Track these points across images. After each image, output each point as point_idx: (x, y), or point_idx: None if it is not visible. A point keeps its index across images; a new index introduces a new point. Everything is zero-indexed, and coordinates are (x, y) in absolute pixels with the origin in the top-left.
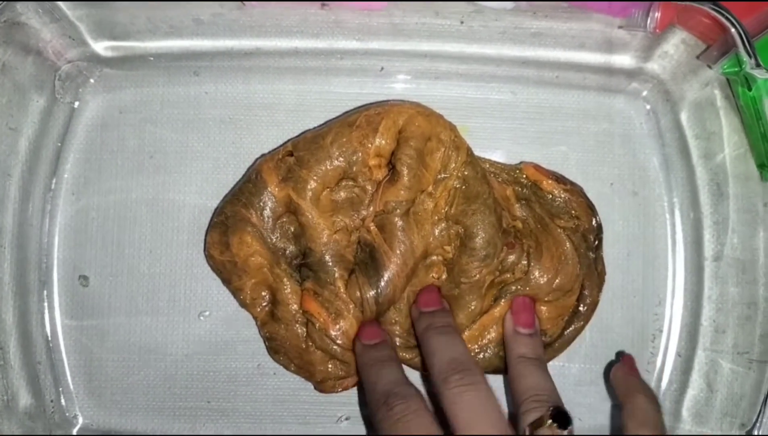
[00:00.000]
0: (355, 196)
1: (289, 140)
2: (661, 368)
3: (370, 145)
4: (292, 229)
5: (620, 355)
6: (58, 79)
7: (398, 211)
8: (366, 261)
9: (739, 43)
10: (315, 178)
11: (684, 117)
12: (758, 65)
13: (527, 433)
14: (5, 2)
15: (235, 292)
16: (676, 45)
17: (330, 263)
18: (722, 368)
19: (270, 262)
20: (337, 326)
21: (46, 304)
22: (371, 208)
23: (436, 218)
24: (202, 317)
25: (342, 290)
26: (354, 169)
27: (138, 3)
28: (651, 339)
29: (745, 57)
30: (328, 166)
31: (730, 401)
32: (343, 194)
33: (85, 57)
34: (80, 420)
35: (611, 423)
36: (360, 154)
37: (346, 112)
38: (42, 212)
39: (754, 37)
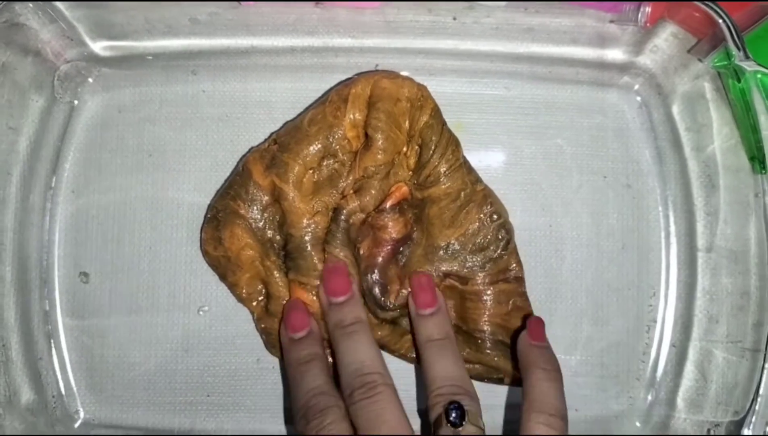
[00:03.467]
0: (335, 171)
1: (274, 132)
2: (656, 358)
3: (343, 117)
4: (278, 217)
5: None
6: (57, 79)
7: (378, 175)
8: (337, 226)
9: (728, 36)
10: (297, 160)
11: (675, 110)
12: (747, 57)
13: (433, 430)
14: (4, 3)
15: (232, 287)
16: (667, 39)
17: (308, 248)
18: (716, 358)
19: (260, 254)
20: None
21: (47, 301)
22: (350, 178)
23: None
24: (201, 313)
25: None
26: (334, 145)
27: (135, 3)
28: (646, 330)
29: (734, 50)
30: (308, 147)
31: (723, 390)
32: (325, 172)
33: (83, 57)
34: (82, 415)
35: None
36: (336, 128)
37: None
38: (42, 210)
39: (744, 30)
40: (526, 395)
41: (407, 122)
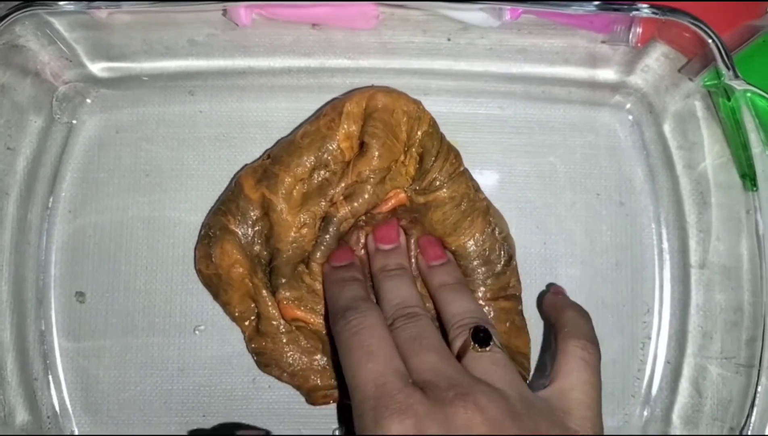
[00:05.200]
0: (325, 180)
1: (269, 149)
2: (650, 375)
3: (337, 129)
4: (265, 232)
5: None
6: (55, 100)
7: (372, 180)
8: (325, 234)
9: (717, 56)
10: (288, 172)
11: (667, 128)
12: (737, 77)
13: (459, 358)
14: (4, 25)
15: (224, 306)
16: (658, 59)
17: (294, 261)
18: (710, 374)
19: (249, 271)
20: None
21: (43, 320)
22: (342, 184)
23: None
24: (197, 332)
25: (312, 281)
26: (325, 156)
27: (134, 24)
28: (640, 347)
29: (723, 69)
30: (300, 158)
31: (718, 406)
32: (315, 183)
33: (82, 78)
34: (77, 435)
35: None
36: (329, 139)
37: None
38: (39, 230)
39: (733, 50)
40: (562, 328)
41: (404, 132)
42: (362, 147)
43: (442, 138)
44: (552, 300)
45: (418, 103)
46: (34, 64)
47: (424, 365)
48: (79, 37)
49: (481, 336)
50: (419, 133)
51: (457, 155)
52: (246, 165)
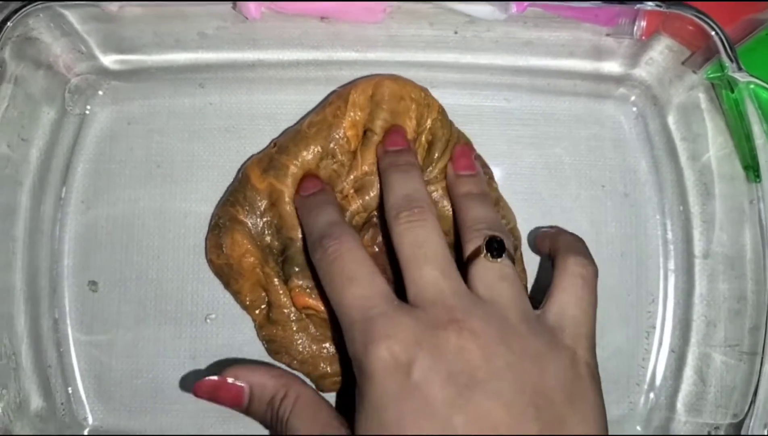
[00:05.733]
0: (333, 172)
1: (275, 138)
2: (655, 363)
3: (343, 117)
4: (276, 222)
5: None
6: (68, 92)
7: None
8: None
9: (721, 48)
10: (294, 162)
11: (671, 120)
12: (740, 69)
13: (468, 263)
14: (19, 17)
15: (235, 295)
16: (662, 52)
17: (307, 252)
18: (714, 362)
19: (260, 261)
20: None
21: (56, 309)
22: (351, 175)
23: None
24: (208, 320)
25: None
26: (332, 145)
27: (144, 17)
28: (645, 336)
29: (727, 62)
30: (306, 148)
31: (722, 393)
32: (323, 174)
33: (94, 70)
34: (90, 422)
35: None
36: (335, 128)
37: None
38: (52, 220)
39: (736, 43)
40: (558, 250)
41: (413, 120)
42: (366, 135)
43: (451, 125)
44: (545, 232)
45: (425, 90)
46: (47, 57)
47: (424, 279)
48: (90, 29)
49: (495, 246)
50: (429, 120)
51: (468, 142)
52: (252, 155)
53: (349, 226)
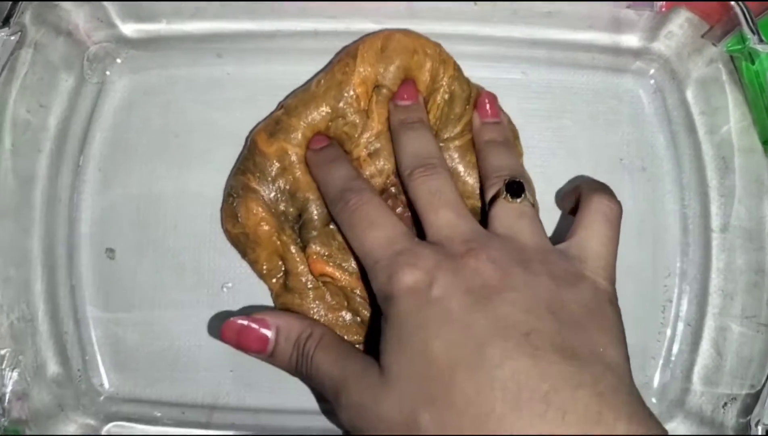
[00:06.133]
0: (344, 133)
1: (282, 100)
2: (671, 337)
3: (352, 73)
4: (288, 187)
5: None
6: (86, 60)
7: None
8: None
9: (742, 20)
10: (303, 123)
11: (690, 94)
12: (761, 41)
13: (488, 208)
14: None
15: (252, 264)
16: (681, 25)
17: (323, 217)
18: (731, 334)
19: (276, 229)
20: (362, 281)
21: (73, 276)
22: (364, 137)
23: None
24: (225, 289)
25: (344, 240)
26: (341, 105)
27: None
28: (661, 310)
29: (748, 33)
30: (316, 108)
31: (739, 365)
32: (332, 135)
33: (112, 38)
34: (106, 389)
35: None
36: (345, 85)
37: None
38: (70, 188)
39: (757, 15)
40: (585, 189)
41: (428, 75)
42: (379, 90)
43: (469, 81)
44: (568, 187)
45: (439, 45)
46: (67, 23)
47: (440, 220)
48: None
49: (514, 187)
50: (445, 78)
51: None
52: (259, 122)
53: (366, 179)
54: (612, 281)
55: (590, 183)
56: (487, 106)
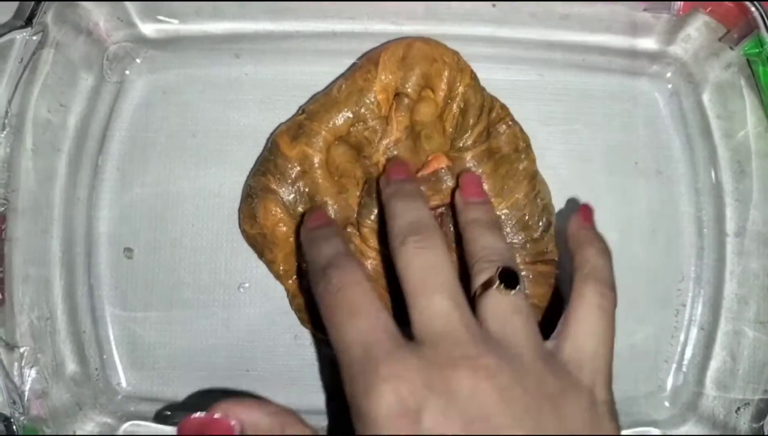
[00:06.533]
0: (365, 138)
1: (303, 105)
2: (684, 341)
3: (373, 80)
4: (307, 190)
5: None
6: (106, 59)
7: (410, 135)
8: (371, 199)
9: (761, 24)
10: (325, 127)
11: (706, 98)
12: None
13: (477, 294)
14: None
15: (269, 265)
16: (699, 28)
17: (341, 221)
18: (745, 339)
19: (294, 230)
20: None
21: (91, 276)
22: (383, 143)
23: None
24: (241, 289)
25: (361, 244)
26: (362, 110)
27: None
28: (674, 314)
29: (767, 37)
30: (338, 114)
31: (752, 369)
32: (353, 140)
33: (132, 38)
34: (123, 387)
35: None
36: (366, 92)
37: None
38: (89, 187)
39: None
40: (580, 269)
41: (445, 84)
42: (400, 98)
43: (483, 90)
44: (576, 232)
45: (457, 54)
46: (87, 23)
47: (434, 309)
48: None
49: (510, 277)
50: (461, 86)
51: (504, 106)
52: (281, 124)
53: (355, 257)
54: (609, 384)
55: (588, 262)
56: (471, 186)
